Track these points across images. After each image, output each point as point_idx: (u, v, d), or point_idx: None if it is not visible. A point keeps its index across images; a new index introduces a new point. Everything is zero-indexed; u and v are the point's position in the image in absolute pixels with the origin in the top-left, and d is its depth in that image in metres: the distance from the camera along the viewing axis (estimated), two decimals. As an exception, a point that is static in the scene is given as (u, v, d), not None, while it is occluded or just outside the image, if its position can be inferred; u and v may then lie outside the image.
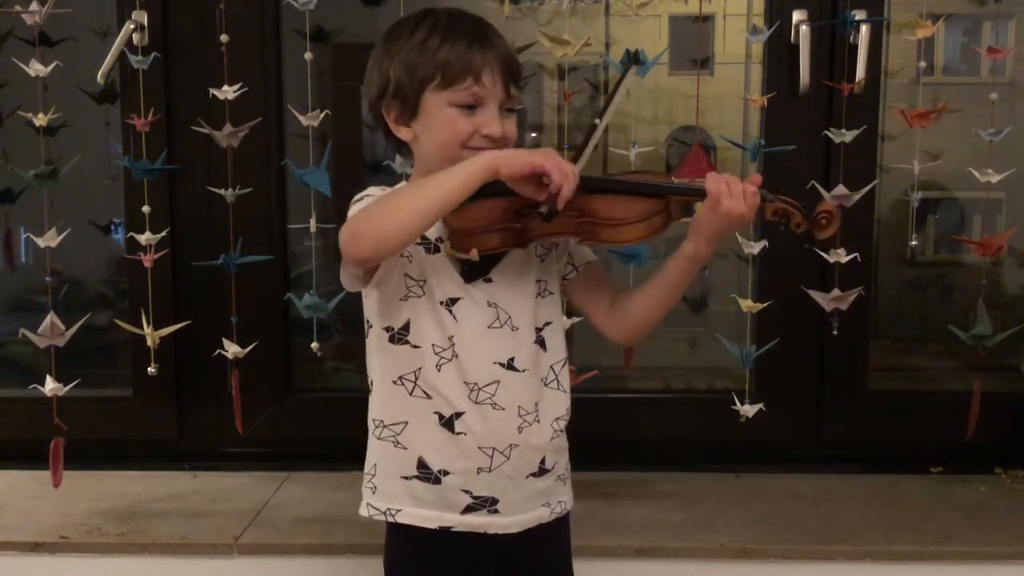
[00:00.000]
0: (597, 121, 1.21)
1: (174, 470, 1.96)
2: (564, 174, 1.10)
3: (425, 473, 1.21)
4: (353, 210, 1.19)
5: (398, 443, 1.23)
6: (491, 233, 1.17)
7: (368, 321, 1.26)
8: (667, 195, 1.19)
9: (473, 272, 1.22)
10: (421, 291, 1.20)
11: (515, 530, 1.24)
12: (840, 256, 1.74)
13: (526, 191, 1.13)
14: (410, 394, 1.21)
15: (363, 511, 1.26)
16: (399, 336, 1.21)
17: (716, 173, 1.16)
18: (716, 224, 1.16)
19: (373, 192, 1.23)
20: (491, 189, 1.20)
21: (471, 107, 1.19)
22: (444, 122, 1.19)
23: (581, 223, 1.19)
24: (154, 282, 1.78)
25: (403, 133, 1.24)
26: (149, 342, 1.78)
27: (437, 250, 1.21)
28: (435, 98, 1.19)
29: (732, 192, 1.14)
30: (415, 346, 1.21)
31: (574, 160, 1.18)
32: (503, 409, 1.21)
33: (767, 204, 1.17)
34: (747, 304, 1.75)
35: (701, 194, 1.17)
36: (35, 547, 1.63)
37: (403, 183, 1.31)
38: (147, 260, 1.76)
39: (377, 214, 1.12)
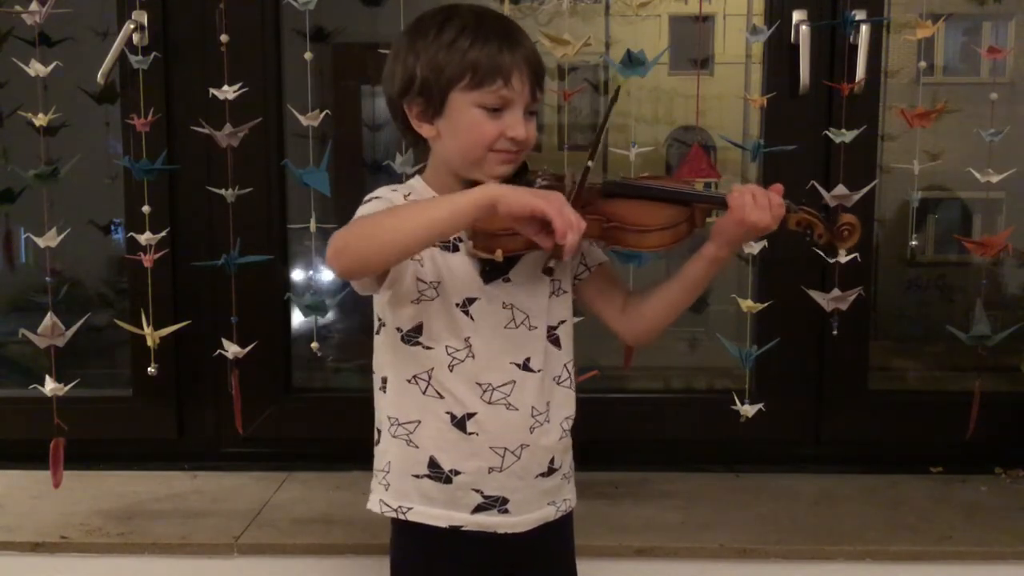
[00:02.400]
0: (590, 164, 1.17)
1: (174, 470, 1.96)
2: (568, 223, 1.03)
3: (436, 472, 1.21)
4: (359, 213, 1.18)
5: (411, 441, 1.23)
6: (518, 235, 1.14)
7: (379, 318, 1.25)
8: (694, 203, 1.19)
9: (493, 272, 1.21)
10: (435, 293, 1.19)
11: (523, 529, 1.24)
12: (840, 256, 1.74)
13: (525, 231, 1.09)
14: (423, 393, 1.21)
15: (374, 506, 1.26)
16: (410, 337, 1.21)
17: (739, 185, 1.16)
18: (740, 233, 1.18)
19: (383, 194, 1.21)
20: None
21: (497, 109, 1.18)
22: (470, 124, 1.18)
23: (608, 228, 1.19)
24: (154, 282, 1.78)
25: (425, 130, 1.22)
26: (149, 342, 1.78)
27: (456, 248, 1.21)
28: (462, 98, 1.18)
29: (758, 204, 1.15)
30: (428, 347, 1.20)
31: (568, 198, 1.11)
32: (516, 409, 1.21)
33: (791, 215, 1.18)
34: (747, 304, 1.75)
35: (727, 205, 1.17)
36: (35, 547, 1.63)
37: (413, 180, 1.29)
38: (147, 260, 1.76)
39: (363, 233, 1.10)
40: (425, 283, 1.19)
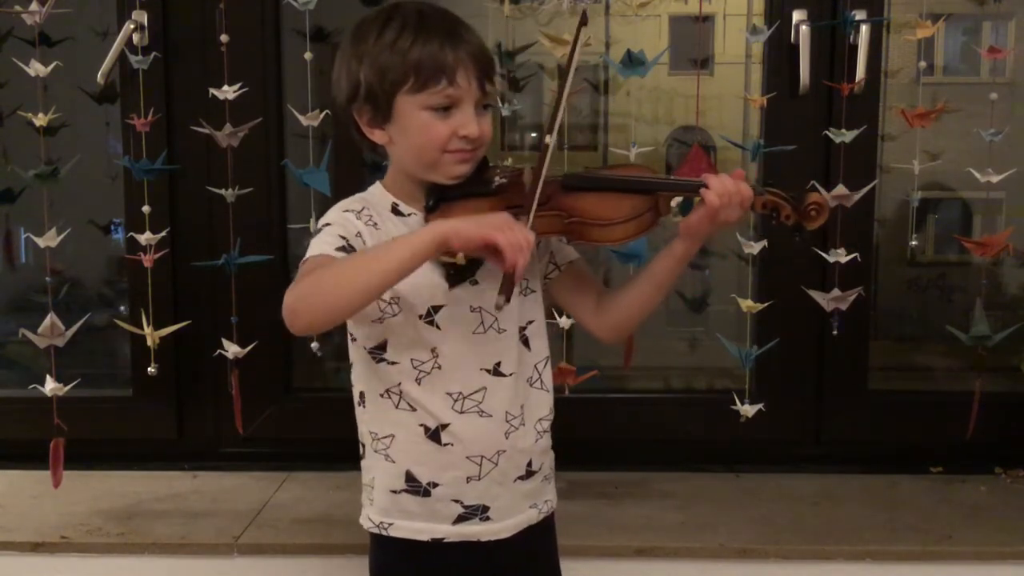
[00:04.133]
0: (548, 139, 1.14)
1: (174, 470, 1.96)
2: (518, 248, 1.02)
3: (414, 486, 1.20)
4: (312, 247, 1.14)
5: (388, 456, 1.22)
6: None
7: (350, 333, 1.24)
8: (656, 191, 1.17)
9: (458, 276, 1.19)
10: (398, 308, 1.18)
11: (506, 535, 1.23)
12: (840, 256, 1.74)
13: (486, 258, 1.08)
14: (396, 407, 1.20)
15: (364, 522, 1.26)
16: (375, 354, 1.20)
17: (717, 181, 1.14)
18: (711, 229, 1.16)
19: (335, 220, 1.18)
20: (474, 189, 1.18)
21: (447, 108, 1.15)
22: (420, 127, 1.15)
23: (570, 223, 1.17)
24: (154, 282, 1.78)
25: (377, 136, 1.20)
26: (149, 342, 1.78)
27: None
28: (408, 102, 1.15)
29: (731, 204, 1.14)
30: (393, 363, 1.19)
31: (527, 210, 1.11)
32: (490, 416, 1.20)
33: (756, 197, 1.16)
34: (747, 304, 1.75)
35: (690, 189, 1.16)
36: (35, 547, 1.63)
37: (374, 187, 1.26)
38: (147, 260, 1.76)
39: (318, 289, 1.06)
40: (385, 301, 1.17)
